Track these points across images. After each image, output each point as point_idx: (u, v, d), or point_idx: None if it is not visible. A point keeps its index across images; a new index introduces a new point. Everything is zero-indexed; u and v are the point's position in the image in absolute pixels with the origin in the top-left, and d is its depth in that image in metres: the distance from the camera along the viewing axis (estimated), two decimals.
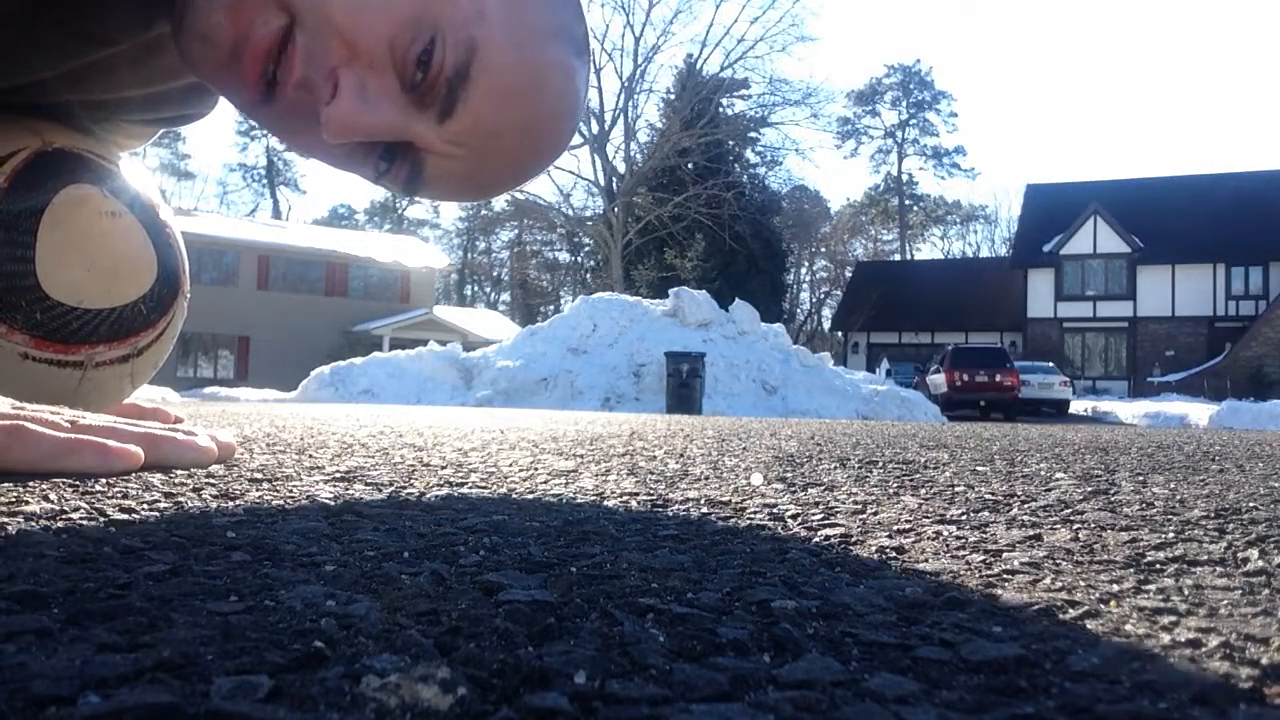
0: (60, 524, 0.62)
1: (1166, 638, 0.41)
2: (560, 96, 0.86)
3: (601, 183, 29.91)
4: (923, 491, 1.01)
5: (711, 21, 54.57)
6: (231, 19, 0.77)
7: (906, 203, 48.24)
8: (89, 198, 1.08)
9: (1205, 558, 0.62)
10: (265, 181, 50.44)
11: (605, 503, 0.87)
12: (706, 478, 1.13)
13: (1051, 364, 21.36)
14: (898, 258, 46.14)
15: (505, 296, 53.34)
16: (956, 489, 1.04)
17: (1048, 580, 0.54)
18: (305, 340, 26.35)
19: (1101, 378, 28.61)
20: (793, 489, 1.02)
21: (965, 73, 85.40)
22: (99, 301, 1.09)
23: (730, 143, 33.17)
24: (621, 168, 30.30)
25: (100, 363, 1.11)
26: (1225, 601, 0.49)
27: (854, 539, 0.68)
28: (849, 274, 41.66)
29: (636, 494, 0.94)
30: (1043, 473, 1.29)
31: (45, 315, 1.04)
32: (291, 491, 0.86)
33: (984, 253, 48.12)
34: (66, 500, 0.73)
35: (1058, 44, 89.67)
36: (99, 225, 1.09)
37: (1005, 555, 0.62)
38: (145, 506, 0.72)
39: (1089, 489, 1.07)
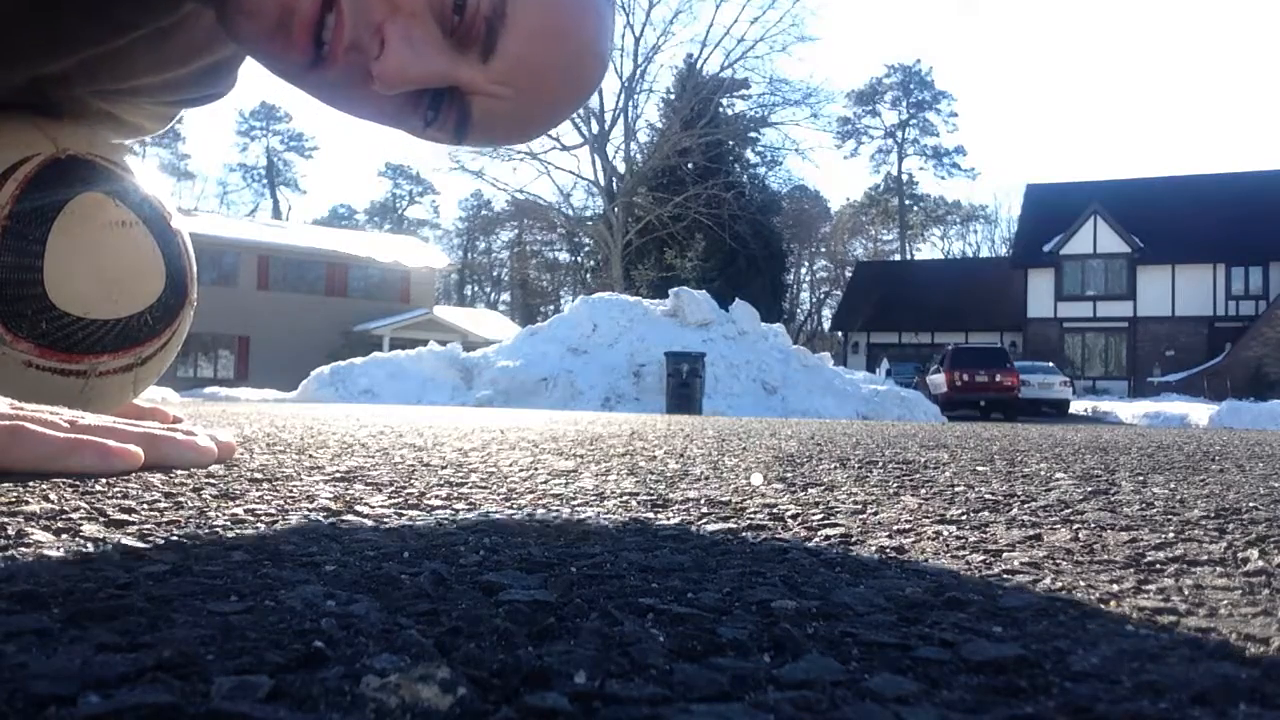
0: (60, 524, 0.62)
1: (1166, 638, 0.41)
2: (594, 30, 0.88)
3: (601, 183, 29.88)
4: (923, 491, 1.01)
5: (711, 21, 54.54)
6: None
7: (906, 203, 48.20)
8: (100, 206, 1.08)
9: (1205, 558, 0.62)
10: (265, 181, 50.50)
11: (605, 502, 0.87)
12: (706, 478, 1.13)
13: (1051, 364, 21.33)
14: (898, 258, 46.11)
15: (505, 296, 53.37)
16: (956, 489, 1.04)
17: (1048, 580, 0.54)
18: (305, 340, 26.34)
19: (1101, 378, 28.59)
20: (793, 489, 1.02)
21: (965, 73, 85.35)
22: (105, 312, 1.08)
23: (730, 143, 33.09)
24: (621, 168, 30.27)
25: (104, 372, 1.11)
26: (1225, 601, 0.49)
27: (854, 539, 0.68)
28: (849, 274, 41.66)
29: (636, 494, 0.94)
30: (1043, 473, 1.29)
31: (51, 325, 1.04)
32: (291, 491, 0.86)
33: (984, 253, 48.18)
34: (66, 500, 0.73)
35: (1058, 44, 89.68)
36: (109, 235, 1.08)
37: (1005, 555, 0.62)
38: (145, 506, 0.72)
39: (1089, 489, 1.07)
